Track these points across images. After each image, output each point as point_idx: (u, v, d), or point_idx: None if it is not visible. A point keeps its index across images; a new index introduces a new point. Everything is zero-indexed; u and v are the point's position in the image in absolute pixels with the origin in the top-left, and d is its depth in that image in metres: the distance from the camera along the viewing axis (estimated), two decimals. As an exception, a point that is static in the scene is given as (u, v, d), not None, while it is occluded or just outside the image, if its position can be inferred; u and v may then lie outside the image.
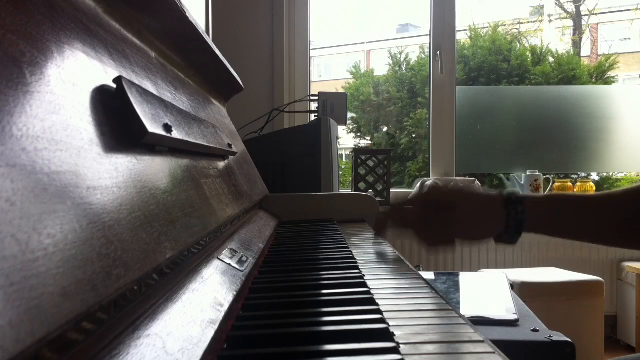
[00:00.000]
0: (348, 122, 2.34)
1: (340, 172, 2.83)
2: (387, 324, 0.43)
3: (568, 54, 3.47)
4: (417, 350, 0.38)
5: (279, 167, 1.58)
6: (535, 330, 1.11)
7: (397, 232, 0.85)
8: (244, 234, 0.80)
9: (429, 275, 1.67)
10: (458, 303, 1.33)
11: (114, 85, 0.48)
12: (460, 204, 0.81)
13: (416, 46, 3.89)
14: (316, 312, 0.49)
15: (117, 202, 0.39)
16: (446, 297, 0.54)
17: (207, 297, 0.46)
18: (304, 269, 0.69)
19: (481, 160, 2.84)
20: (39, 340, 0.24)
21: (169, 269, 0.47)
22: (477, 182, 2.37)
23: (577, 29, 4.87)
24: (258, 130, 1.89)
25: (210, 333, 0.39)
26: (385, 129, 3.62)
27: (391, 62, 3.62)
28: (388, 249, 0.85)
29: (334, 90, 2.36)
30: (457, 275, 1.65)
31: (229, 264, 0.59)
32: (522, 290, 1.95)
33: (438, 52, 2.55)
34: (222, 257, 0.60)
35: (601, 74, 3.37)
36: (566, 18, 4.99)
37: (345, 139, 3.77)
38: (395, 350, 0.38)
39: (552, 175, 2.79)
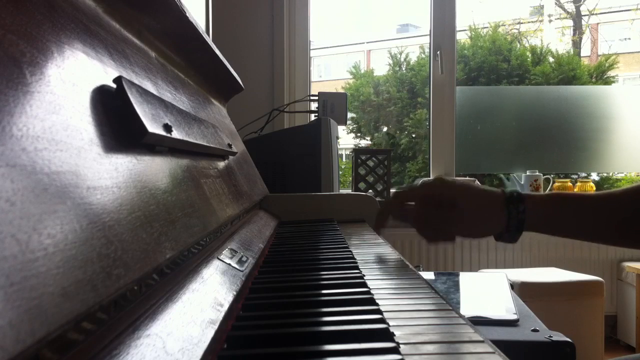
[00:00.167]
0: (348, 122, 2.34)
1: (340, 172, 2.83)
2: (387, 324, 0.43)
3: (568, 54, 3.47)
4: (417, 350, 0.38)
5: (279, 167, 1.58)
6: (535, 330, 1.11)
7: (397, 224, 0.87)
8: (244, 234, 0.80)
9: (429, 275, 1.67)
10: (458, 303, 1.33)
11: (114, 85, 0.48)
12: (461, 201, 0.81)
13: (416, 46, 3.89)
14: (316, 312, 0.49)
15: (117, 202, 0.39)
16: (446, 297, 0.54)
17: (207, 297, 0.46)
18: (304, 269, 0.69)
19: (481, 160, 2.84)
20: (39, 340, 0.24)
21: (169, 269, 0.47)
22: (477, 182, 2.37)
23: (577, 29, 4.87)
24: (258, 130, 1.89)
25: (210, 333, 0.39)
26: (385, 129, 3.61)
27: (391, 62, 3.62)
28: (388, 249, 0.85)
29: (334, 90, 2.36)
30: (457, 275, 1.65)
31: (229, 264, 0.59)
32: (522, 290, 1.95)
33: (438, 52, 2.55)
34: (222, 257, 0.60)
35: (601, 74, 3.37)
36: (566, 18, 4.99)
37: (345, 139, 3.77)
38: (395, 350, 0.38)
39: (552, 175, 2.79)
